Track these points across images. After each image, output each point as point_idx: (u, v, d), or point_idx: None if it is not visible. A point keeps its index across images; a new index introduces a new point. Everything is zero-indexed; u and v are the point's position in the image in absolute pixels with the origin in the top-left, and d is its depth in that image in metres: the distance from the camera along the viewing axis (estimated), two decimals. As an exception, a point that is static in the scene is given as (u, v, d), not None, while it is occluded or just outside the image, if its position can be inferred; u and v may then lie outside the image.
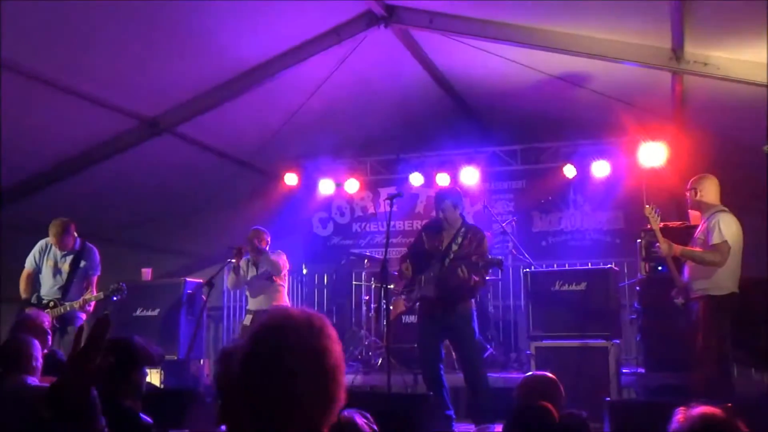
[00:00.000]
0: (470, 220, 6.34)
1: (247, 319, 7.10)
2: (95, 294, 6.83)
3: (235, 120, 8.38)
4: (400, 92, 8.88)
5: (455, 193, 6.17)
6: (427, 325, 5.86)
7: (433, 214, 10.52)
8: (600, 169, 9.16)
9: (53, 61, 6.42)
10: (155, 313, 8.16)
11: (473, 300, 5.95)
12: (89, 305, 6.82)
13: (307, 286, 10.71)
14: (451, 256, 5.77)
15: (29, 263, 6.95)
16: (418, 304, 6.05)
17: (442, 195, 6.08)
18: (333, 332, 1.58)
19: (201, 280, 8.34)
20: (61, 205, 7.81)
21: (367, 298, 9.14)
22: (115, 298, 6.85)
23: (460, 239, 5.80)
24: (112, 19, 6.07)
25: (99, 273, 7.07)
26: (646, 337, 6.91)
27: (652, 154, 8.43)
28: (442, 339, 5.91)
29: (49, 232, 6.89)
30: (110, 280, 7.08)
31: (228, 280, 7.44)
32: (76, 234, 7.02)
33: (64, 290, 6.85)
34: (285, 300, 7.20)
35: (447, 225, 5.96)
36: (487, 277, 6.03)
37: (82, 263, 6.95)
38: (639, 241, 7.25)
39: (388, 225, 5.81)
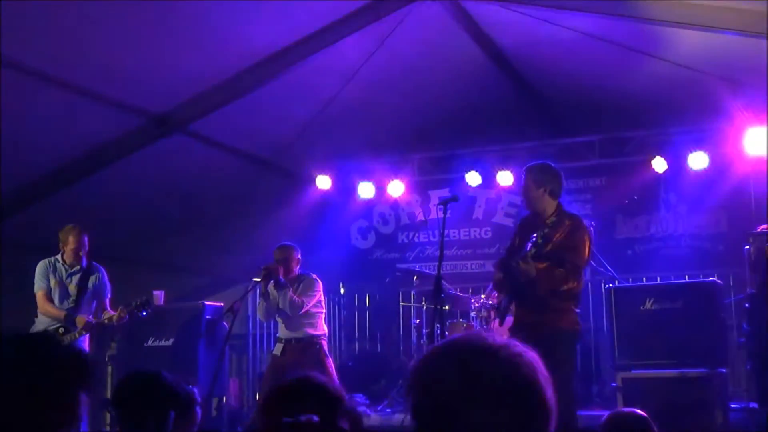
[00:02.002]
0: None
1: (278, 349, 7.17)
2: (116, 313, 6.94)
3: (257, 115, 8.48)
4: (452, 76, 8.89)
5: (541, 167, 5.64)
6: None
7: (494, 220, 10.65)
8: (697, 161, 9.03)
9: (45, 52, 6.59)
10: (169, 343, 8.30)
11: (570, 310, 5.44)
12: (121, 321, 6.95)
13: (346, 309, 10.77)
14: (526, 252, 5.22)
15: (41, 284, 7.11)
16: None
17: (525, 170, 5.69)
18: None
19: (222, 304, 8.45)
20: (57, 219, 7.96)
21: (418, 322, 9.15)
22: (144, 314, 6.95)
23: (546, 231, 5.25)
24: (111, 5, 6.21)
25: (110, 294, 7.24)
26: (759, 365, 6.79)
27: (761, 141, 8.28)
28: None
29: (65, 240, 7.05)
30: (117, 305, 7.23)
31: (258, 309, 7.50)
32: None
33: (75, 314, 7.00)
34: (322, 327, 7.26)
35: (535, 213, 5.54)
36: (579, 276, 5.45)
37: (91, 283, 7.13)
38: (747, 247, 7.13)
39: (442, 234, 5.81)
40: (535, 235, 5.24)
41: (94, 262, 7.27)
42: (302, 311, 6.97)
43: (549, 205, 5.52)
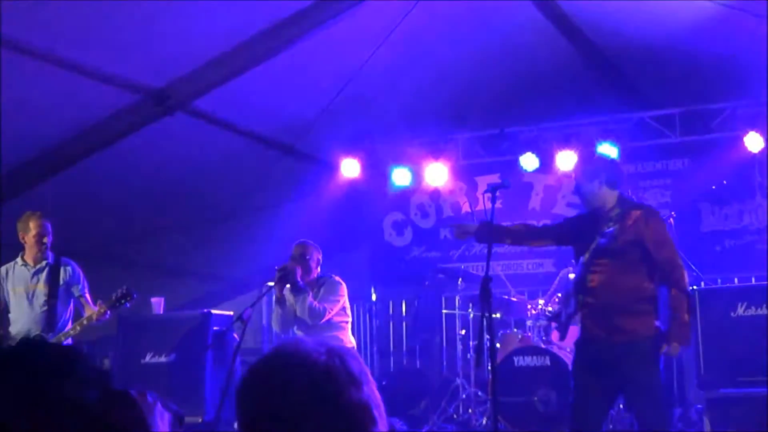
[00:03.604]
0: None
1: (297, 366, 7.17)
2: (97, 309, 6.98)
3: (271, 89, 8.51)
4: (504, 40, 8.85)
5: (595, 160, 5.94)
6: (578, 368, 5.69)
7: (553, 211, 10.57)
8: (799, 138, 8.96)
9: (24, 20, 6.64)
10: (171, 358, 8.35)
11: (650, 312, 5.40)
12: (103, 318, 6.99)
13: (379, 318, 10.78)
14: (590, 252, 5.37)
15: None
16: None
17: (576, 168, 5.93)
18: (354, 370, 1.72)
19: (232, 313, 8.50)
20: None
21: (464, 332, 9.15)
22: (127, 305, 6.99)
23: (611, 225, 5.32)
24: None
25: (88, 287, 7.30)
26: None
27: None
28: (603, 388, 5.48)
29: (25, 228, 7.07)
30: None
31: (273, 318, 7.50)
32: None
33: (50, 318, 7.06)
34: (349, 338, 7.25)
35: (595, 210, 5.58)
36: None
37: (62, 279, 7.19)
38: None
39: (491, 228, 5.79)
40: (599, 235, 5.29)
41: (62, 256, 7.31)
42: (324, 320, 6.97)
43: (609, 198, 5.52)
